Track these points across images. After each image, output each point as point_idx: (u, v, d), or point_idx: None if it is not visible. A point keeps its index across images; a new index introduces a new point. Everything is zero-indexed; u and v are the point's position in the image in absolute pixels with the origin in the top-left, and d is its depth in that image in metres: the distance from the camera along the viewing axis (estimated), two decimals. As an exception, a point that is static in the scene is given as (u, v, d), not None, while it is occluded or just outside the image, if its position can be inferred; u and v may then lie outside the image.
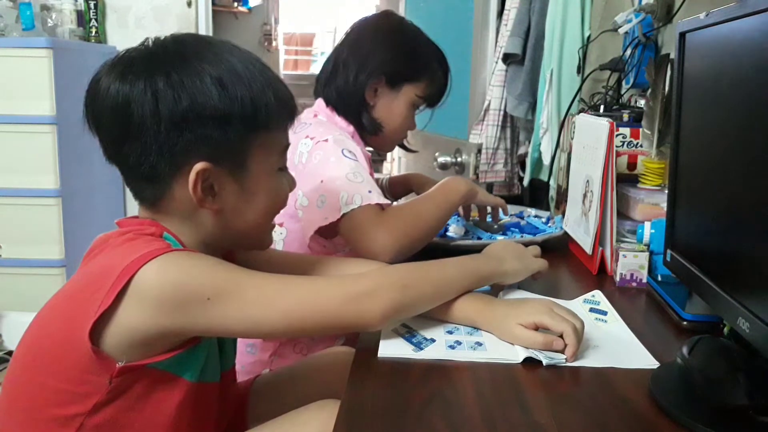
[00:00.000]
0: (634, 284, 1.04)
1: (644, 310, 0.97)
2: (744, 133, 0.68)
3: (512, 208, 1.39)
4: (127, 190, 0.79)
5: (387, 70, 1.24)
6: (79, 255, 0.76)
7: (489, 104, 2.13)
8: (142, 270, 0.67)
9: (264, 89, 0.76)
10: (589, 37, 1.80)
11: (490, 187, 2.18)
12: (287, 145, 0.84)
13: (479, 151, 2.11)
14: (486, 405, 0.65)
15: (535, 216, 1.42)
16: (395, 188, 1.53)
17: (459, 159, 2.14)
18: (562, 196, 1.48)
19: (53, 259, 2.38)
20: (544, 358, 0.74)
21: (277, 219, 0.87)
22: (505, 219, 1.34)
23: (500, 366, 0.74)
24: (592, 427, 0.62)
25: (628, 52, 1.45)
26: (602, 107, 1.40)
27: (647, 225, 1.06)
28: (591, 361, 0.76)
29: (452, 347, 0.78)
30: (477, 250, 0.95)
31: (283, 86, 0.80)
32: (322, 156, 1.13)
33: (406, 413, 0.63)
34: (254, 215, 0.81)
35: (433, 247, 1.11)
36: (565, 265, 1.19)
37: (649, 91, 1.16)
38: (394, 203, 1.35)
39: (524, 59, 1.99)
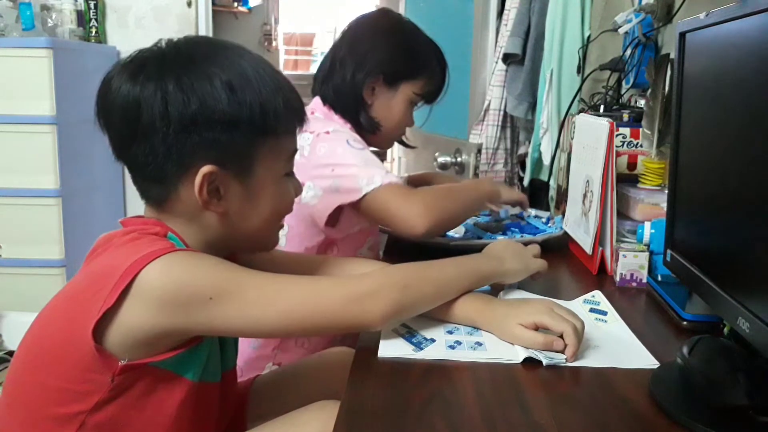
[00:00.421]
0: (634, 284, 1.04)
1: (644, 310, 0.97)
2: (744, 133, 0.68)
3: (512, 209, 1.39)
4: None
5: (385, 70, 1.24)
6: (79, 255, 0.76)
7: (489, 104, 2.13)
8: (145, 269, 0.67)
9: (274, 94, 0.76)
10: (589, 37, 1.80)
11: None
12: (295, 150, 0.84)
13: (479, 151, 2.11)
14: (486, 405, 0.65)
15: (535, 216, 1.43)
16: (413, 186, 1.53)
17: (459, 159, 2.14)
18: (562, 196, 1.48)
19: (53, 259, 2.38)
20: (544, 358, 0.74)
21: None
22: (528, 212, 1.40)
23: (500, 366, 0.74)
24: (592, 427, 0.62)
25: (628, 52, 1.45)
26: (602, 107, 1.40)
27: (647, 225, 1.06)
28: (591, 361, 0.76)
29: (452, 347, 0.78)
30: (477, 250, 0.95)
31: (294, 92, 0.80)
32: (328, 148, 1.13)
33: (406, 413, 0.63)
34: (259, 219, 0.81)
35: (433, 247, 1.11)
36: (565, 265, 1.19)
37: (649, 91, 1.16)
38: None
39: (524, 59, 1.99)
